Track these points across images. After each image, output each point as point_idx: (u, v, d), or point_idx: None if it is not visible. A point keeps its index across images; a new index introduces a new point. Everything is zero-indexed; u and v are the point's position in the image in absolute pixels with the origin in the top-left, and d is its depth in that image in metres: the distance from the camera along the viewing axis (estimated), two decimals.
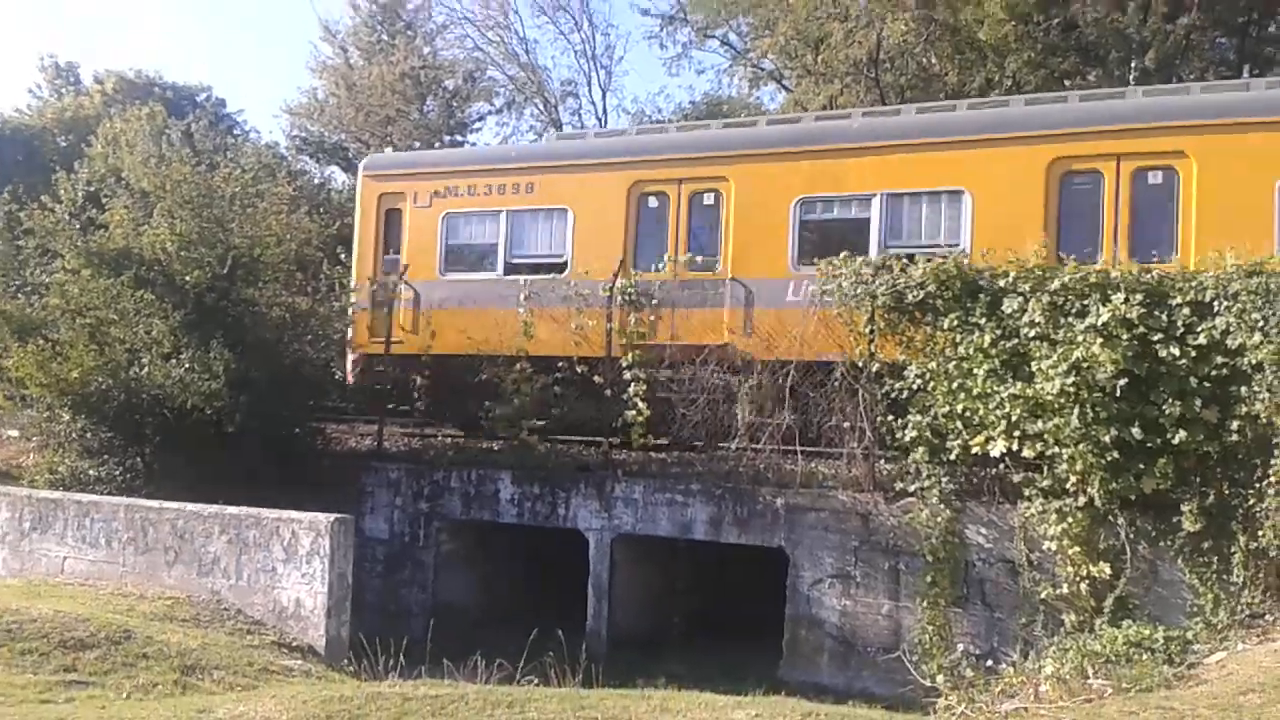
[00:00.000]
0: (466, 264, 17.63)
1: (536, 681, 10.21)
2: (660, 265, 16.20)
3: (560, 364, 15.93)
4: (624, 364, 15.26)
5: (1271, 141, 12.96)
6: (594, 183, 16.82)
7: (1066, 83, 25.77)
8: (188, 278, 16.05)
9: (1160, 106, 14.24)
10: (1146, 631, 10.61)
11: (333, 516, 11.71)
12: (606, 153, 17.21)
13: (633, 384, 15.16)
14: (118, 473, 15.74)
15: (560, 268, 16.86)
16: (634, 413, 15.08)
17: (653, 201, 16.50)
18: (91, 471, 15.83)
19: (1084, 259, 12.68)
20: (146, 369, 15.44)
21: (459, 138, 38.99)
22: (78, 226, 17.98)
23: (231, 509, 12.26)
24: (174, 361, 15.65)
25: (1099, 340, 11.39)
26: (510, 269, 17.26)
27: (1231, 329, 11.15)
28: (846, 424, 13.41)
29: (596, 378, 15.58)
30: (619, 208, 16.51)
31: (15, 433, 19.78)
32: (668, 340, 15.70)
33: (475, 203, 17.45)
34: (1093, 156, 13.83)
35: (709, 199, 16.07)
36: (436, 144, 36.26)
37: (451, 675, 10.33)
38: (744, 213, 15.71)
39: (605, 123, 38.18)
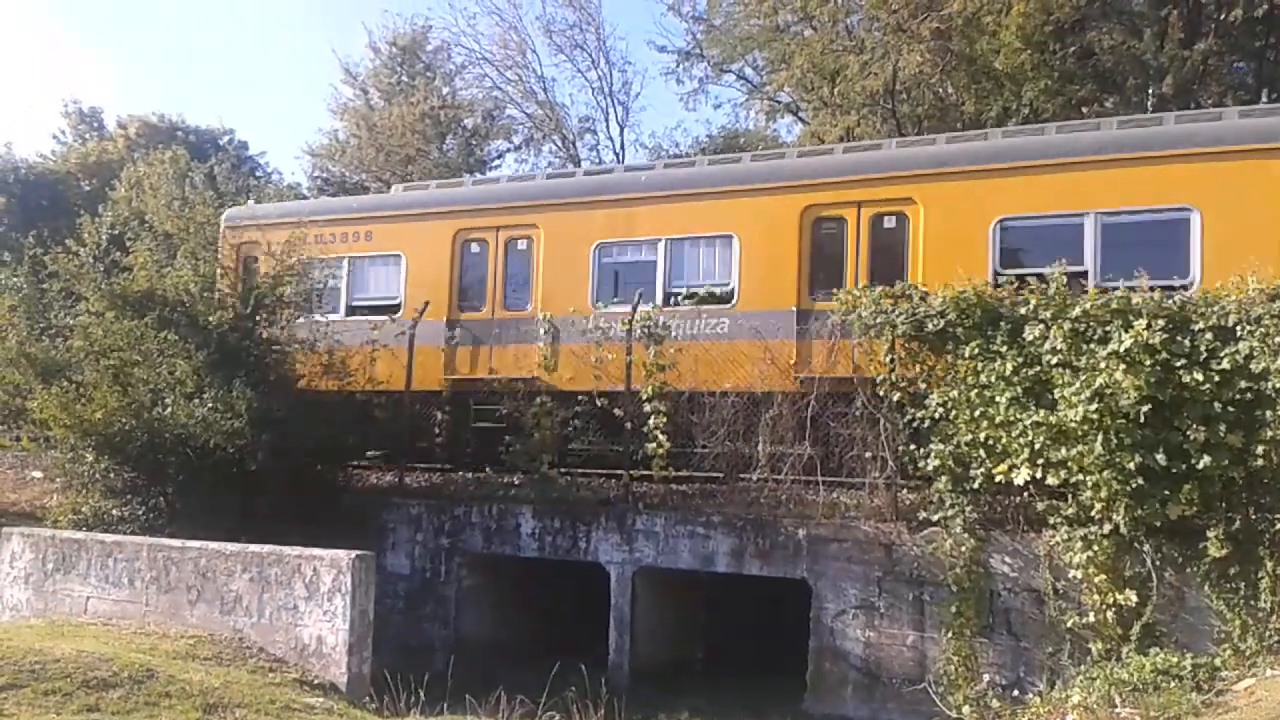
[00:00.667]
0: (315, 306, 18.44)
1: (558, 716, 10.18)
2: (481, 305, 17.82)
3: (391, 396, 17.41)
4: (644, 396, 15.28)
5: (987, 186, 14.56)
6: (424, 231, 18.35)
7: (1084, 110, 25.80)
8: (210, 318, 16.18)
9: (892, 159, 15.90)
10: (1174, 659, 10.50)
11: (354, 553, 11.70)
12: (435, 203, 18.72)
13: (653, 416, 15.16)
14: (141, 512, 15.79)
15: (395, 309, 18.24)
16: (654, 445, 15.07)
17: (475, 247, 18.04)
18: (115, 511, 15.88)
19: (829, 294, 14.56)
20: (170, 409, 15.52)
21: (479, 175, 39.26)
22: (101, 269, 18.13)
23: (253, 547, 12.27)
24: (197, 401, 15.68)
25: (1122, 366, 11.31)
26: (351, 310, 18.75)
27: (1255, 353, 11.07)
28: (868, 453, 13.35)
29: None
30: (445, 253, 18.09)
31: (40, 474, 19.91)
32: (486, 374, 17.38)
33: (321, 250, 18.08)
34: (838, 204, 15.41)
35: (523, 244, 17.62)
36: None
37: (473, 711, 10.31)
38: (551, 256, 17.24)
39: (623, 158, 38.40)
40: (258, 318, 16.67)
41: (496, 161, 42.50)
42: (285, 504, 15.10)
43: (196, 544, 12.67)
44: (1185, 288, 12.75)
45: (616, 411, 15.56)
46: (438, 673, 11.26)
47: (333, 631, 11.48)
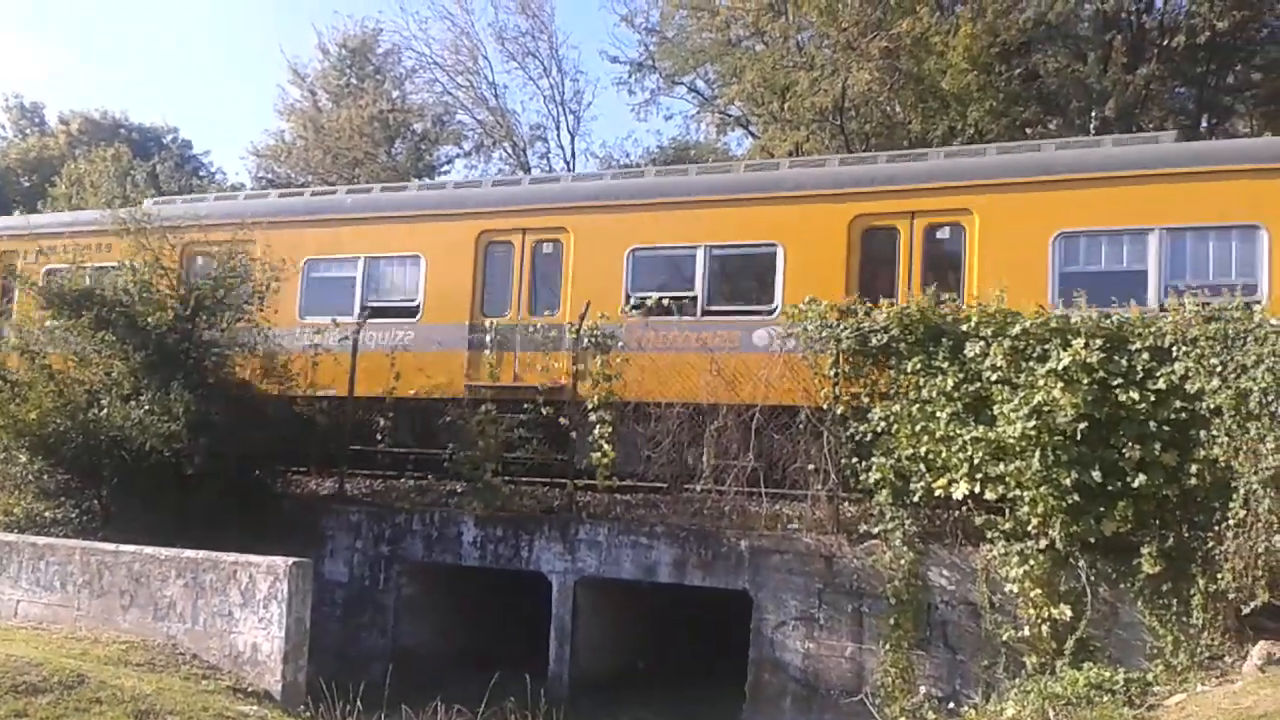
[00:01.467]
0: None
1: None
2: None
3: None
4: (590, 405, 15.24)
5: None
6: (153, 246, 17.84)
7: (1028, 131, 26.22)
8: (149, 319, 15.92)
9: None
10: (1107, 673, 10.69)
11: (291, 560, 11.56)
12: (161, 218, 18.26)
13: (599, 426, 15.14)
14: (74, 515, 15.49)
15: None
16: (599, 454, 15.04)
17: (200, 261, 18.43)
18: (48, 514, 15.56)
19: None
20: (105, 410, 15.25)
21: (428, 180, 39.07)
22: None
23: (188, 552, 12.08)
24: (133, 403, 15.45)
25: (1060, 384, 11.51)
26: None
27: (1190, 374, 11.32)
28: (811, 466, 13.44)
29: None
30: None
31: None
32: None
33: (69, 259, 17.93)
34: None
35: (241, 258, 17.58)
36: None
37: None
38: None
39: (573, 167, 38.39)
40: (198, 319, 16.42)
41: (446, 167, 42.32)
42: (222, 509, 14.85)
43: (130, 548, 12.45)
44: (1256, 301, 12.46)
45: (562, 420, 15.51)
46: (375, 682, 11.12)
47: (268, 639, 11.33)
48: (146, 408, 15.15)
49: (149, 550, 12.30)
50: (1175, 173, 14.04)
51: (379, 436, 17.75)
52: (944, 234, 14.89)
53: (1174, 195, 13.78)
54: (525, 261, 17.41)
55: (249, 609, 11.47)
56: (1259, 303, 12.44)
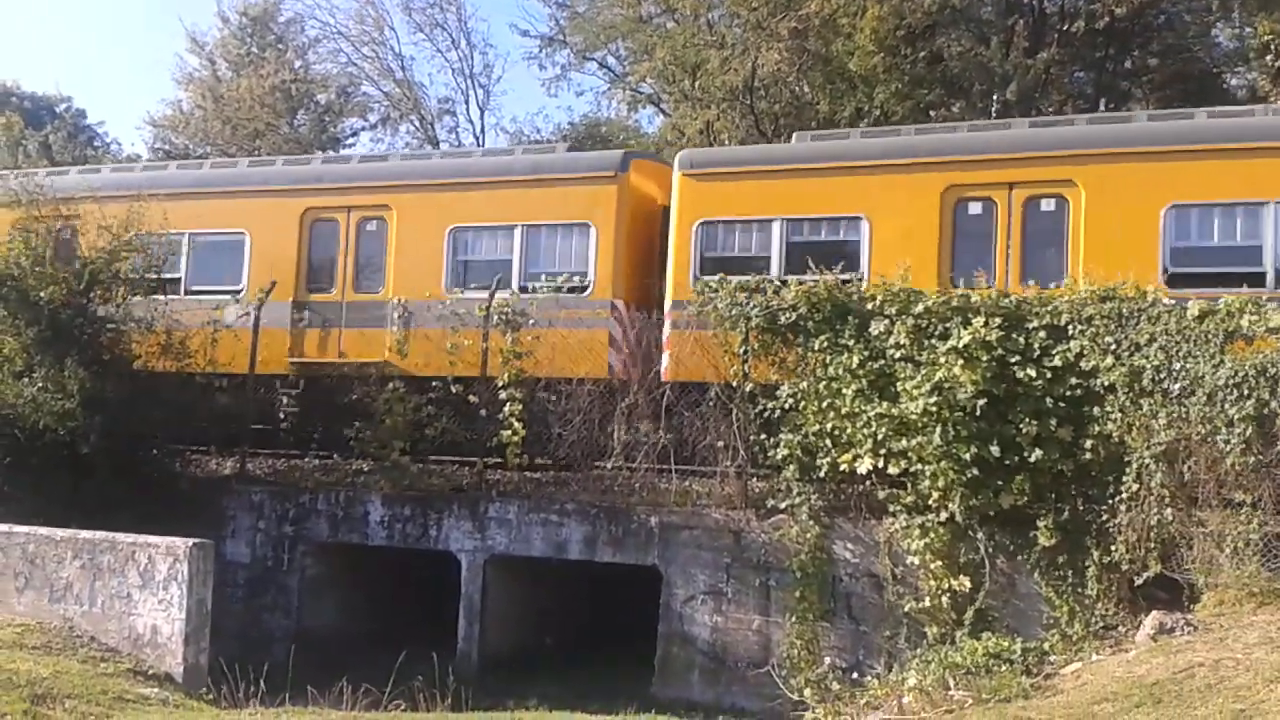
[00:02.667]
0: None
1: (404, 706, 10.04)
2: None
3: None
4: (500, 384, 15.15)
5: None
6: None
7: (932, 114, 26.66)
8: (42, 294, 15.42)
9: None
10: (1005, 643, 10.97)
11: (191, 541, 11.32)
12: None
13: (509, 404, 15.08)
14: None
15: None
16: (509, 432, 14.99)
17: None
18: None
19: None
20: None
21: (331, 153, 38.30)
22: None
23: (85, 533, 11.76)
24: (26, 380, 15.00)
25: (960, 362, 11.77)
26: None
27: (1085, 352, 11.66)
28: (720, 443, 13.57)
29: None
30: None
31: None
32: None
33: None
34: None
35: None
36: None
37: (316, 702, 10.09)
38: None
39: (483, 142, 37.98)
40: (92, 294, 15.93)
41: (351, 140, 41.45)
42: (119, 489, 14.48)
43: (24, 529, 12.08)
44: None
45: (471, 398, 15.41)
46: (279, 663, 10.96)
47: (168, 621, 11.10)
48: (40, 385, 14.73)
49: (44, 531, 11.94)
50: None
51: (280, 415, 17.47)
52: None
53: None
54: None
55: (148, 591, 11.21)
56: None
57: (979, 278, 12.95)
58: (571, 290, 15.96)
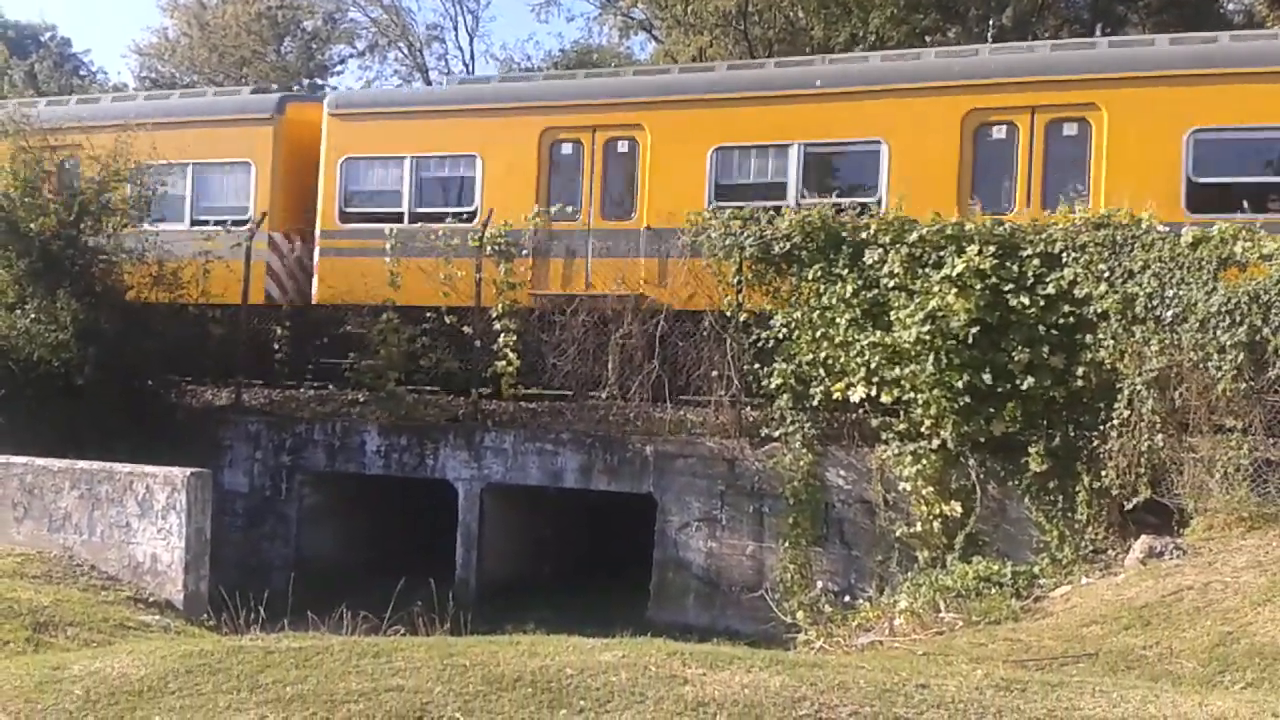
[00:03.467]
0: None
1: (404, 631, 10.15)
2: None
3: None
4: (494, 314, 15.15)
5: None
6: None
7: (927, 39, 26.36)
8: (32, 225, 15.30)
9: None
10: (995, 567, 11.13)
11: (189, 470, 11.36)
12: None
13: (502, 334, 15.10)
14: None
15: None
16: (504, 363, 15.01)
17: None
18: None
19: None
20: None
21: (319, 81, 37.83)
22: None
23: (82, 464, 11.79)
24: (19, 312, 14.96)
25: (954, 290, 11.78)
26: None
27: (1079, 279, 11.66)
28: (714, 373, 13.62)
29: None
30: None
31: None
32: None
33: None
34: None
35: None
36: (294, 87, 35.14)
37: (315, 628, 10.20)
38: None
39: (472, 69, 37.51)
40: (82, 225, 15.82)
41: (339, 67, 41.02)
42: (115, 420, 14.51)
43: (22, 459, 12.10)
44: None
45: (466, 329, 15.41)
46: (278, 591, 11.05)
47: (168, 550, 11.18)
48: (33, 316, 14.68)
49: (41, 461, 11.96)
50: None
51: (275, 347, 17.48)
52: (1070, 131, 14.04)
53: None
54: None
55: (147, 519, 11.27)
56: None
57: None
58: (236, 224, 16.84)
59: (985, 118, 14.26)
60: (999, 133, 14.26)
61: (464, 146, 16.55)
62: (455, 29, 38.86)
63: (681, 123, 15.46)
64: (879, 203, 14.08)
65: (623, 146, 15.84)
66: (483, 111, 16.69)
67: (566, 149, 16.12)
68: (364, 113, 17.57)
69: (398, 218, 16.67)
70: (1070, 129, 13.97)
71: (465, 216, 16.30)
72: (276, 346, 17.51)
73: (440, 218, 16.36)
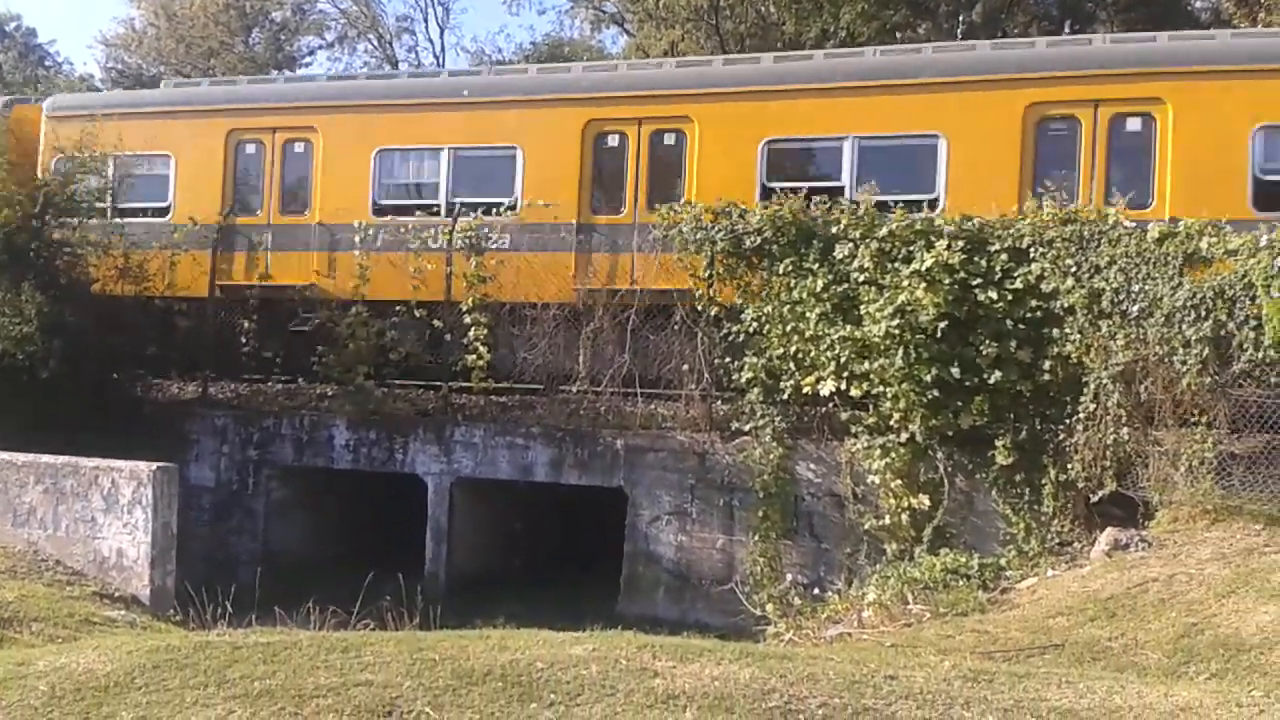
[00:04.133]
0: None
1: (373, 626, 10.11)
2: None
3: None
4: (463, 308, 15.10)
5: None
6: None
7: (898, 35, 26.47)
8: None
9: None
10: (963, 559, 11.22)
11: (155, 465, 11.27)
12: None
13: (474, 328, 15.04)
14: None
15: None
16: (474, 357, 14.97)
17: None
18: None
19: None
20: None
21: (288, 72, 37.50)
22: None
23: (47, 457, 11.67)
24: None
25: (923, 285, 11.83)
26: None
27: (1046, 274, 11.76)
28: (685, 366, 13.63)
29: None
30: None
31: None
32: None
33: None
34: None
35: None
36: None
37: (283, 623, 10.14)
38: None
39: (443, 62, 37.32)
40: (46, 217, 15.65)
41: (308, 59, 40.75)
42: (81, 414, 14.34)
43: None
44: None
45: (436, 323, 15.34)
46: (245, 585, 10.97)
47: (134, 544, 11.09)
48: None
49: (5, 455, 11.83)
50: None
51: (243, 340, 17.36)
52: (1134, 126, 13.70)
53: None
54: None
55: (113, 514, 11.18)
56: None
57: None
58: None
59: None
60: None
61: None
62: (425, 21, 38.80)
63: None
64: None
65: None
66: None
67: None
68: (78, 115, 17.30)
69: None
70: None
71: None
72: (244, 340, 17.38)
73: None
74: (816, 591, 12.01)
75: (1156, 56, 14.04)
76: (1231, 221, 11.38)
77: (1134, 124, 13.65)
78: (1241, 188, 12.93)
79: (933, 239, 12.09)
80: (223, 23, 37.34)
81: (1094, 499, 11.35)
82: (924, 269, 11.91)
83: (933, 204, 13.62)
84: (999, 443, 11.70)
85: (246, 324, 17.36)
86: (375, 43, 39.06)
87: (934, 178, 14.17)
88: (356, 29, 39.26)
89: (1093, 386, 11.34)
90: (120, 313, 16.09)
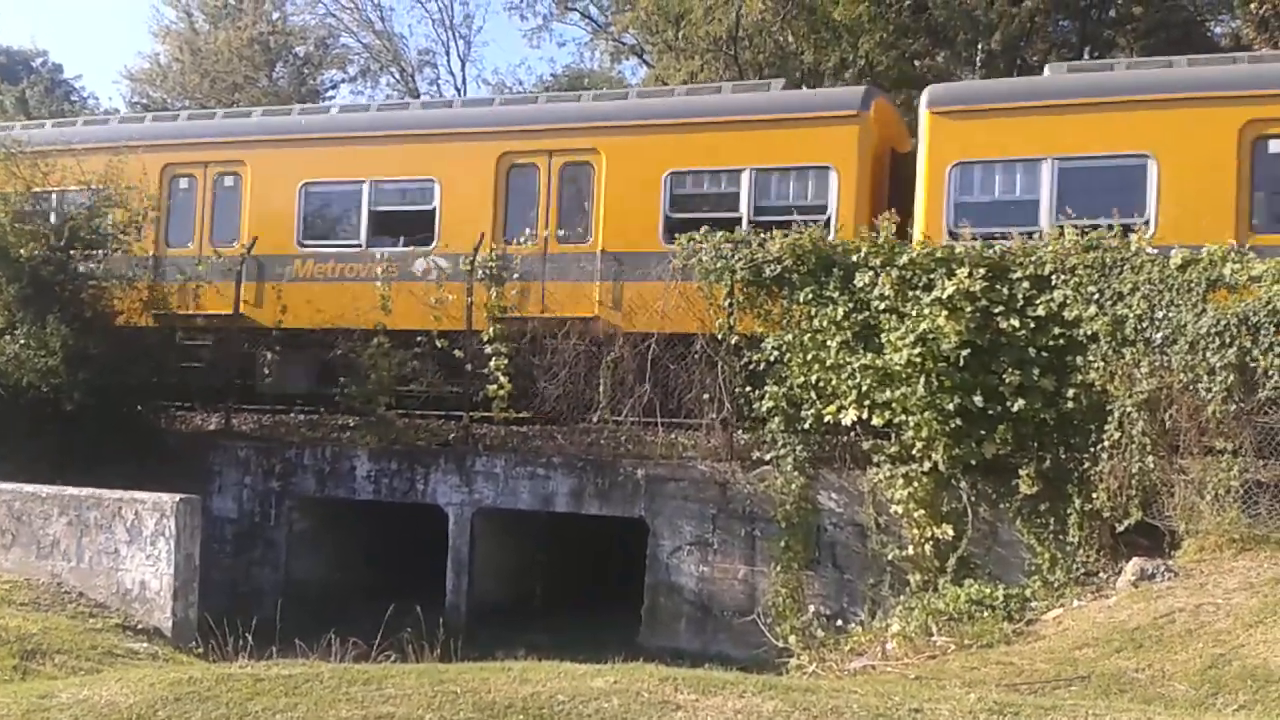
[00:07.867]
0: None
1: (394, 658, 10.10)
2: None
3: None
4: (484, 338, 15.15)
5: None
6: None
7: (917, 64, 26.54)
8: (22, 250, 15.32)
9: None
10: (987, 590, 11.09)
11: (178, 497, 11.32)
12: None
13: (494, 358, 15.08)
14: None
15: None
16: (495, 386, 15.00)
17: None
18: None
19: None
20: None
21: (311, 105, 37.87)
22: None
23: (71, 490, 11.74)
24: (8, 338, 14.97)
25: (944, 313, 11.79)
26: None
27: (1068, 301, 11.70)
28: (706, 395, 13.61)
29: None
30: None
31: None
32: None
33: None
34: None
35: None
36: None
37: (305, 654, 10.14)
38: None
39: (464, 92, 37.64)
40: (72, 251, 15.84)
41: (330, 92, 41.13)
42: (105, 445, 14.48)
43: (10, 486, 12.05)
44: None
45: (457, 353, 15.40)
46: (268, 617, 11.00)
47: (156, 576, 11.12)
48: (22, 342, 14.68)
49: (29, 488, 11.91)
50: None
51: (265, 371, 17.46)
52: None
53: None
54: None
55: (136, 546, 11.22)
56: None
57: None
58: None
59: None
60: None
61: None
62: (447, 54, 39.06)
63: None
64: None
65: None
66: None
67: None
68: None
69: None
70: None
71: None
72: (266, 371, 17.49)
73: None
74: (839, 623, 11.92)
75: (595, 114, 16.08)
76: (648, 253, 14.11)
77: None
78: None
79: (954, 267, 12.06)
80: (247, 57, 37.77)
81: (1119, 528, 11.23)
82: (945, 297, 11.88)
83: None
84: (1023, 472, 11.61)
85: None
86: (397, 76, 39.47)
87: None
88: (379, 63, 39.68)
89: (1117, 414, 11.24)
90: (143, 345, 16.22)
